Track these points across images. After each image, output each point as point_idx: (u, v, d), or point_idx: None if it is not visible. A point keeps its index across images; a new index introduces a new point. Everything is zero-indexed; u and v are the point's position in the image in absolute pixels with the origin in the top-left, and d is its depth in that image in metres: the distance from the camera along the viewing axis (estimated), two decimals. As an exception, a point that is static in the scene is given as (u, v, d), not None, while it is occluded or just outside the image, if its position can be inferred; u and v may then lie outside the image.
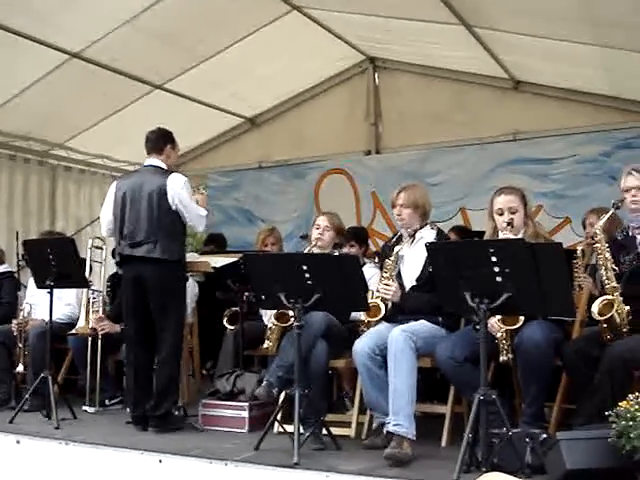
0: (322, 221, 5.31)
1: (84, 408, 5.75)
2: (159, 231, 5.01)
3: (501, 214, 4.40)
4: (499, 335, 4.16)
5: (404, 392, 4.19)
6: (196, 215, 5.15)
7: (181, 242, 5.17)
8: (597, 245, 4.05)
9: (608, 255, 4.01)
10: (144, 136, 5.29)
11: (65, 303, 6.27)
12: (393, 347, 4.29)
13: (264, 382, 4.80)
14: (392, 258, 4.68)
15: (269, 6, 6.65)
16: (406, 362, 4.24)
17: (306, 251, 5.13)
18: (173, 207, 5.04)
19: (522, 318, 4.07)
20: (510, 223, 4.30)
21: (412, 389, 4.22)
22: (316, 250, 5.15)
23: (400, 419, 4.13)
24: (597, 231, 4.06)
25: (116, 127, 7.90)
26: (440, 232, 4.83)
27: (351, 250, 5.78)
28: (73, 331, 5.85)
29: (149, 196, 5.04)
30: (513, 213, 4.37)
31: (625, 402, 3.30)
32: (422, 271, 4.60)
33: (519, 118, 7.59)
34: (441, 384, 4.71)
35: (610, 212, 4.10)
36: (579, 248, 5.02)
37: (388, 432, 4.16)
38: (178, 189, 5.05)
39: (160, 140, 5.26)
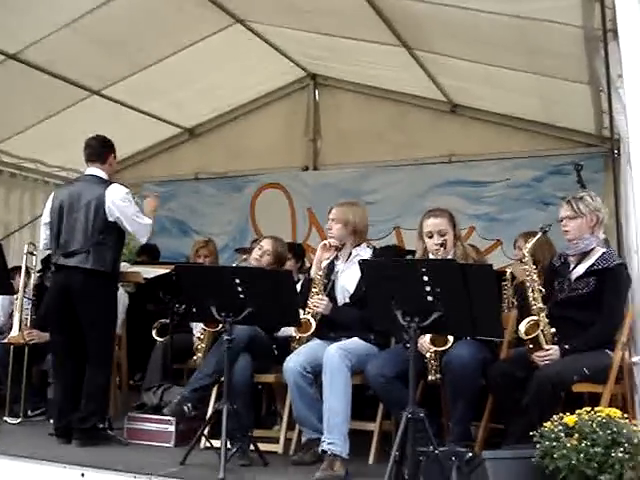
0: (266, 244, 5.32)
1: (5, 419, 5.59)
2: (92, 241, 4.92)
3: (431, 237, 4.46)
4: (428, 355, 4.21)
5: (339, 411, 4.20)
6: (138, 225, 5.06)
7: (115, 253, 5.07)
8: (525, 267, 4.15)
9: (535, 276, 4.13)
10: (80, 142, 5.23)
11: (-11, 310, 6.12)
12: (329, 365, 4.30)
13: (178, 397, 4.76)
14: (320, 273, 4.69)
15: (212, 18, 6.61)
16: (342, 380, 4.26)
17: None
18: (111, 218, 4.95)
19: (451, 340, 4.13)
20: (443, 244, 4.36)
21: (347, 407, 4.24)
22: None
23: (334, 438, 4.14)
24: (525, 253, 4.16)
25: (51, 132, 7.72)
26: (376, 251, 4.87)
27: (287, 263, 5.77)
28: (5, 340, 5.68)
29: (86, 206, 4.96)
30: (443, 235, 4.42)
31: (549, 423, 3.36)
32: (356, 289, 4.63)
33: (455, 141, 7.72)
34: (370, 401, 4.72)
35: (537, 236, 4.20)
36: (508, 270, 5.13)
37: (323, 451, 4.16)
38: (118, 200, 4.97)
39: (102, 148, 5.17)
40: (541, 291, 4.11)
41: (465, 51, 6.02)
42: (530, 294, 4.10)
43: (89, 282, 4.91)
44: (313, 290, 4.69)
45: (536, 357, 4.01)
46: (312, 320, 4.62)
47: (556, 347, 4.00)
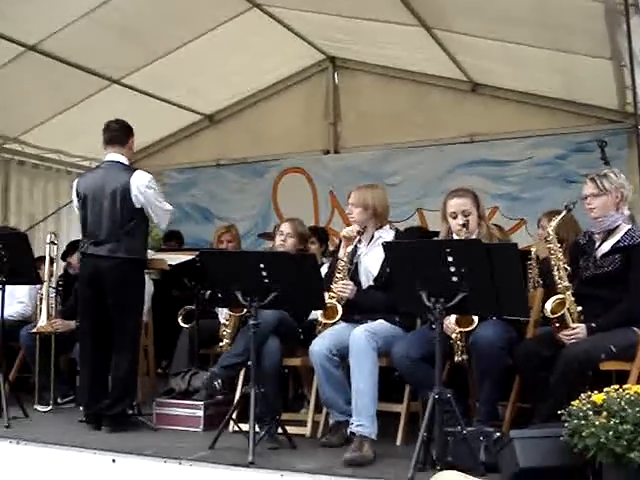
0: (285, 228, 5.32)
1: (36, 407, 5.66)
2: (121, 230, 4.94)
3: (455, 217, 4.44)
4: (454, 336, 4.20)
5: (367, 392, 4.21)
6: (162, 211, 5.09)
7: (144, 240, 5.11)
8: (550, 245, 4.12)
9: (560, 255, 4.10)
10: (100, 131, 5.20)
11: (17, 300, 6.18)
12: (355, 347, 4.30)
13: (208, 374, 4.79)
14: (345, 259, 4.67)
15: (229, 3, 6.61)
16: (368, 362, 4.26)
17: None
18: (137, 205, 4.96)
19: (476, 320, 4.12)
20: (465, 225, 4.34)
21: (374, 389, 4.24)
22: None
23: (363, 419, 4.15)
24: (550, 232, 4.13)
25: (71, 121, 7.78)
26: (398, 232, 4.85)
27: (311, 247, 5.78)
28: (34, 330, 5.71)
29: (112, 194, 4.96)
30: (466, 216, 4.40)
31: (577, 401, 3.35)
32: (380, 271, 4.61)
33: (477, 120, 7.66)
34: (397, 383, 4.73)
35: (562, 214, 4.17)
36: (533, 249, 5.10)
37: (351, 432, 4.18)
38: (143, 187, 4.97)
39: (124, 132, 5.17)
40: (566, 269, 4.08)
41: (485, 29, 5.97)
42: (555, 272, 4.07)
43: (120, 270, 4.92)
44: (337, 276, 4.67)
45: (563, 335, 3.99)
46: (338, 306, 4.61)
47: (583, 325, 3.98)
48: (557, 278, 4.06)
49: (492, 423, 4.09)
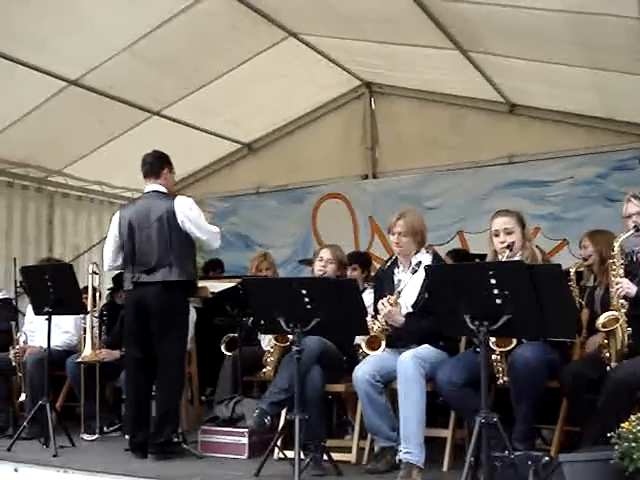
0: (325, 254, 5.31)
1: (82, 436, 5.72)
2: (172, 254, 5.00)
3: (497, 235, 4.42)
4: (494, 357, 4.15)
5: (415, 419, 4.20)
6: (209, 232, 5.15)
7: (193, 263, 5.18)
8: (613, 261, 4.06)
9: (622, 272, 4.03)
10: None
11: (63, 330, 6.27)
12: (403, 373, 4.28)
13: (256, 411, 4.75)
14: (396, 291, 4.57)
15: (266, 33, 6.69)
16: (417, 388, 4.24)
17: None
18: (184, 229, 5.03)
19: (515, 340, 4.07)
20: (509, 246, 4.31)
21: (422, 415, 4.22)
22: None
23: (411, 447, 4.14)
24: (615, 247, 4.07)
25: (114, 154, 7.92)
26: (436, 255, 4.81)
27: (353, 274, 5.76)
28: (79, 360, 5.78)
29: (158, 220, 5.04)
30: (508, 234, 4.38)
31: (627, 423, 3.29)
32: (418, 297, 4.57)
33: (515, 141, 7.63)
34: (442, 408, 4.69)
35: (630, 232, 4.10)
36: (572, 270, 5.03)
37: (399, 460, 4.15)
38: (187, 210, 5.06)
39: (157, 163, 5.25)
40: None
41: (520, 50, 5.96)
42: (613, 289, 4.01)
43: (166, 296, 4.98)
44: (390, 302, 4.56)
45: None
46: (382, 336, 4.51)
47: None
48: (614, 294, 4.00)
49: (528, 443, 4.06)
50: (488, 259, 4.53)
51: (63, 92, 6.76)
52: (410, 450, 4.12)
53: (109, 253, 5.29)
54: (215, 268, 7.85)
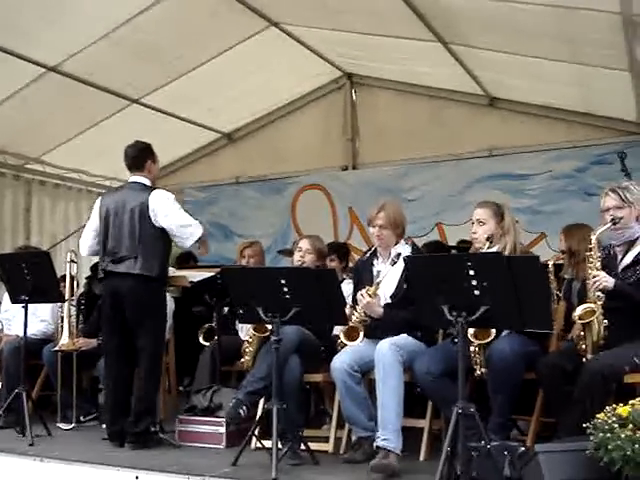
0: (304, 244, 5.31)
1: (58, 425, 5.68)
2: (140, 247, 4.97)
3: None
4: (472, 349, 4.17)
5: (392, 406, 4.20)
6: (181, 228, 5.02)
7: (163, 259, 5.10)
8: (590, 253, 4.08)
9: (599, 265, 4.05)
10: (121, 151, 5.24)
11: (40, 319, 6.22)
12: (381, 361, 4.29)
13: (232, 401, 4.75)
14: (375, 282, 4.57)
15: (247, 22, 6.66)
16: (394, 376, 4.25)
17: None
18: (156, 224, 5.00)
19: (494, 332, 4.11)
20: (489, 238, 4.34)
21: (400, 403, 4.23)
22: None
23: (388, 434, 4.14)
24: (592, 240, 4.08)
25: (92, 142, 7.86)
26: (415, 247, 4.82)
27: (331, 264, 5.77)
28: (57, 348, 5.73)
29: (131, 212, 5.01)
30: (481, 225, 4.44)
31: (602, 414, 3.32)
32: (397, 288, 4.58)
33: (495, 134, 7.68)
34: (420, 398, 4.71)
35: (607, 226, 4.12)
36: (550, 262, 5.07)
37: (377, 446, 4.16)
38: (160, 205, 5.01)
39: (139, 156, 5.20)
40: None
41: (501, 43, 5.98)
42: (590, 281, 4.02)
43: (138, 287, 4.96)
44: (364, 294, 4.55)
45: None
46: (360, 327, 4.52)
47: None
48: (591, 287, 4.02)
49: (504, 434, 4.11)
50: (472, 250, 4.56)
51: (42, 79, 6.71)
52: (387, 437, 4.12)
53: (89, 237, 5.26)
54: (188, 261, 7.77)
